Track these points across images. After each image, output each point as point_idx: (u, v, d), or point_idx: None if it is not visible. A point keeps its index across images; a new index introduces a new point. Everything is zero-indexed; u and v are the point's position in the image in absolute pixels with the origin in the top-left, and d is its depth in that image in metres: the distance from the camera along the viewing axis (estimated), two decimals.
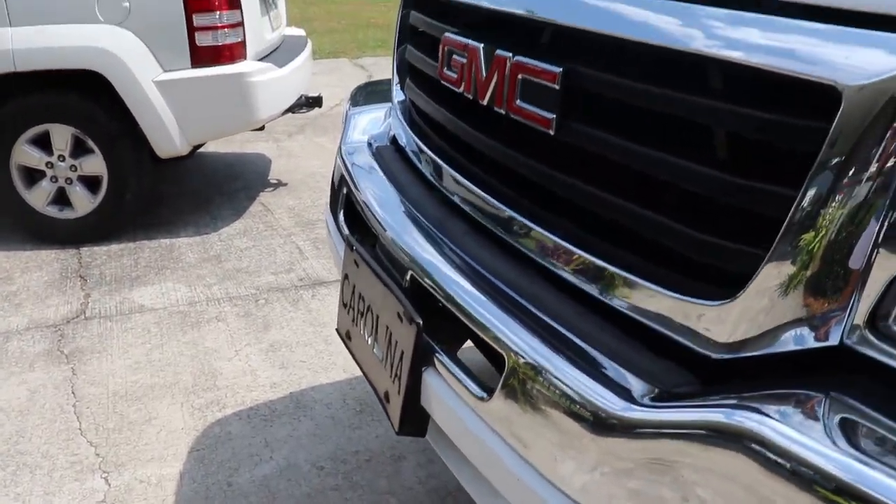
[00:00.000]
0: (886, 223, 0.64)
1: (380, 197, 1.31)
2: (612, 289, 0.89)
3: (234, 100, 3.50)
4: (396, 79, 1.59)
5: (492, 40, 1.11)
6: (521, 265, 1.03)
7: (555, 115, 0.99)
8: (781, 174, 0.74)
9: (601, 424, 0.80)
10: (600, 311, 0.91)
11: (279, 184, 4.42)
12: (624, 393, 0.81)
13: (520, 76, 1.04)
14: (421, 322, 1.07)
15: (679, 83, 0.84)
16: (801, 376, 0.72)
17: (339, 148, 1.58)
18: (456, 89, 1.20)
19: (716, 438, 0.69)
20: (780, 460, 0.64)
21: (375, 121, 1.70)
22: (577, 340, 0.88)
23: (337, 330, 1.41)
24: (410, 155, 1.42)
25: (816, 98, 0.69)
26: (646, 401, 0.79)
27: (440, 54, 1.25)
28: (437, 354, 1.06)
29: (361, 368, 1.30)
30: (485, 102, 1.12)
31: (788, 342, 0.72)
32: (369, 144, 1.57)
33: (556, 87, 0.98)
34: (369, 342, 1.24)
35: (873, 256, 0.65)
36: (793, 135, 0.73)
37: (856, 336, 0.68)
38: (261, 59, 3.74)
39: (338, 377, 2.60)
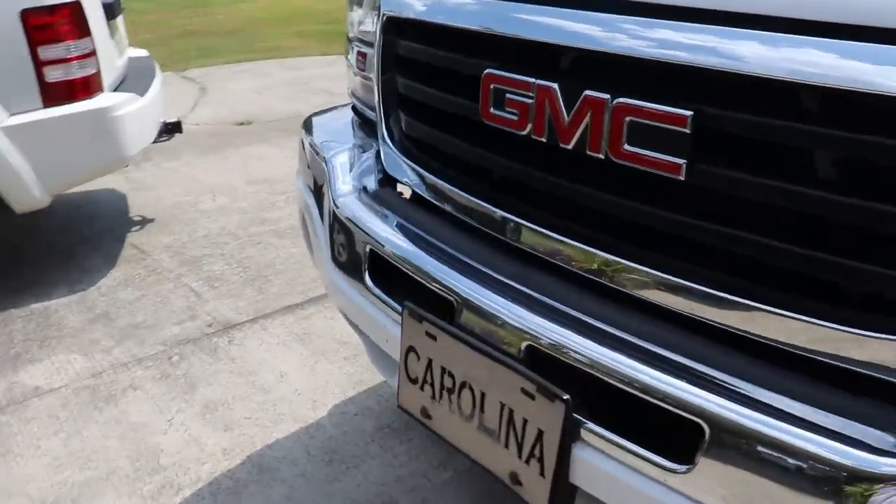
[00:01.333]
0: None
1: (438, 259, 1.17)
2: (817, 342, 0.83)
3: (98, 138, 3.13)
4: (382, 114, 1.45)
5: (568, 78, 1.01)
6: (669, 323, 0.95)
7: (685, 160, 0.91)
8: None
9: (853, 481, 0.75)
10: (796, 366, 0.85)
11: (145, 220, 4.05)
12: (865, 446, 0.76)
13: (627, 119, 0.95)
14: (569, 398, 0.96)
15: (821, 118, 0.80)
16: None
17: (333, 200, 1.42)
18: (517, 132, 1.09)
19: None
20: None
21: (346, 160, 1.54)
22: (785, 399, 0.82)
23: (400, 406, 1.26)
24: (442, 205, 1.28)
25: None
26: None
27: (483, 92, 1.13)
28: (590, 429, 0.96)
29: (456, 447, 1.16)
30: (569, 147, 1.02)
31: None
32: (365, 192, 1.42)
33: (686, 130, 0.90)
34: (470, 420, 1.11)
35: None
36: None
37: None
38: (116, 89, 3.38)
39: (291, 428, 2.40)
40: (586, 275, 1.05)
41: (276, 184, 4.56)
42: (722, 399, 0.84)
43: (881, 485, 0.74)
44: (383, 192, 1.42)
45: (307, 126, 1.78)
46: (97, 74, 3.17)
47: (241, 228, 3.90)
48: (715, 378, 0.87)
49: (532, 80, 1.05)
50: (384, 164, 1.45)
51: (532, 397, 1.01)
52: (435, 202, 1.30)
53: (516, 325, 1.04)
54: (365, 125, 1.73)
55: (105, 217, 4.11)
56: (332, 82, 7.33)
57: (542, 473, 1.02)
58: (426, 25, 1.28)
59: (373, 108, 1.63)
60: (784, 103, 0.84)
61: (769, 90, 0.84)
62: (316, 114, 1.91)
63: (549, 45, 1.04)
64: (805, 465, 0.77)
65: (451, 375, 1.14)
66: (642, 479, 0.91)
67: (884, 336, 0.78)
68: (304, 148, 1.73)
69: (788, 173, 0.85)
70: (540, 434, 1.02)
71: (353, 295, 1.38)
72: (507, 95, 1.09)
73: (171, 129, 3.87)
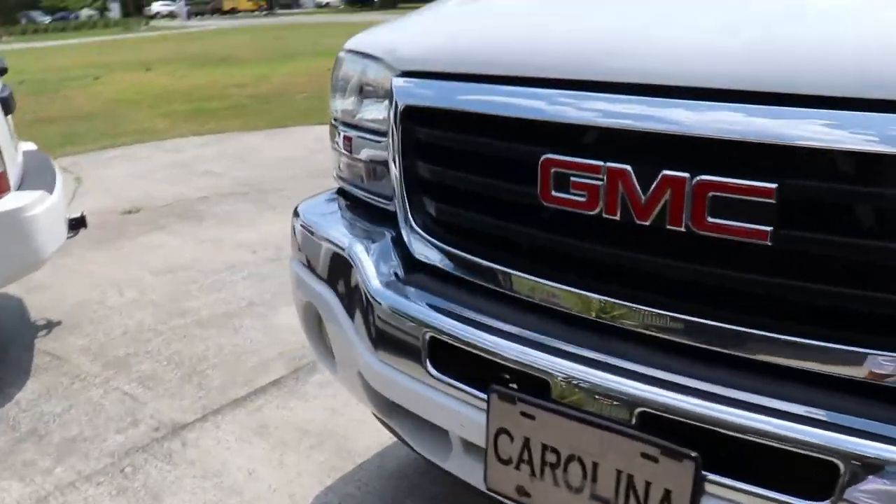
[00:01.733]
0: None
1: (520, 343, 1.19)
2: None
3: (11, 241, 2.94)
4: (406, 201, 1.46)
5: (642, 160, 1.08)
6: (764, 375, 1.03)
7: (771, 227, 1.00)
8: None
9: None
10: None
11: (51, 323, 3.80)
12: None
13: (710, 194, 1.03)
14: (698, 455, 1.01)
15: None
16: None
17: (373, 297, 1.40)
18: (585, 212, 1.15)
19: None
20: None
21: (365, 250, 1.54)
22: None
23: (490, 490, 1.26)
24: (499, 287, 1.31)
25: None
26: None
27: (542, 176, 1.18)
28: (717, 482, 1.01)
29: None
30: (647, 223, 1.09)
31: None
32: (399, 281, 1.43)
33: (773, 201, 0.99)
34: (579, 492, 1.13)
35: None
36: None
37: None
38: (19, 187, 3.19)
39: None
40: (665, 336, 1.12)
41: (182, 272, 4.41)
42: (848, 436, 0.92)
43: None
44: (422, 279, 1.43)
45: (306, 216, 1.76)
46: (3, 175, 3.00)
47: (160, 323, 3.74)
48: (833, 421, 0.96)
49: (601, 163, 1.12)
50: (412, 249, 1.46)
51: (655, 460, 1.05)
52: (489, 285, 1.32)
53: (627, 393, 1.09)
54: (359, 208, 1.74)
55: (4, 325, 3.82)
56: (214, 163, 7.21)
57: None
58: (465, 114, 1.33)
59: (373, 193, 1.65)
60: (856, 171, 0.95)
61: (837, 159, 0.95)
62: (306, 200, 1.90)
63: (616, 130, 1.12)
64: None
65: (556, 451, 1.16)
66: None
67: None
68: (307, 240, 1.71)
69: (863, 230, 0.96)
70: (667, 493, 1.06)
71: (408, 384, 1.37)
72: (572, 178, 1.15)
73: (75, 225, 3.68)
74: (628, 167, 1.09)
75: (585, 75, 1.18)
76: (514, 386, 1.21)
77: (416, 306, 1.37)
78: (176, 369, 3.27)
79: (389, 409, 1.56)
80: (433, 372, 1.32)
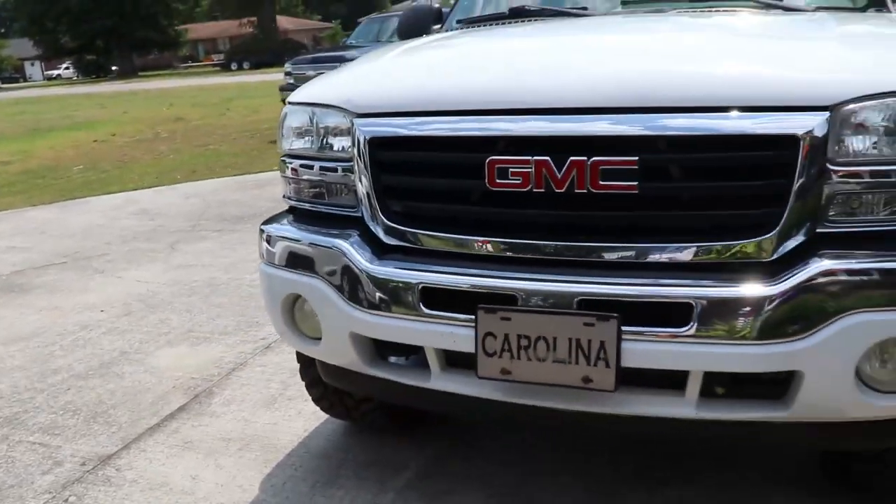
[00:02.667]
0: None
1: (491, 277, 1.86)
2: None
3: None
4: (377, 202, 2.05)
5: (552, 152, 1.80)
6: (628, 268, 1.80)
7: (637, 182, 1.75)
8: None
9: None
10: None
11: None
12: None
13: (601, 168, 1.76)
14: (618, 315, 1.73)
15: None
16: None
17: (368, 272, 1.99)
18: (522, 189, 1.83)
19: None
20: None
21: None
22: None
23: (481, 377, 1.87)
24: (458, 249, 1.96)
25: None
26: None
27: (488, 171, 1.85)
28: (629, 330, 1.74)
29: (534, 383, 1.84)
30: (563, 190, 1.80)
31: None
32: (379, 259, 2.03)
33: (636, 167, 1.74)
34: (544, 360, 1.78)
35: None
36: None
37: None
38: None
39: None
40: (580, 257, 1.83)
41: (35, 339, 4.46)
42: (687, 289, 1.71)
43: None
44: (395, 257, 2.02)
45: (279, 231, 2.30)
46: None
47: (36, 382, 3.85)
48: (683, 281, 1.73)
49: (530, 157, 1.81)
50: (382, 238, 2.06)
51: (592, 325, 1.73)
52: (454, 249, 1.96)
53: (567, 291, 1.78)
54: (315, 220, 2.26)
55: None
56: (14, 239, 7.05)
57: (607, 366, 1.73)
58: (421, 138, 1.97)
59: (336, 205, 2.21)
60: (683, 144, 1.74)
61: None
62: (270, 219, 2.41)
63: (537, 137, 1.83)
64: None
65: (527, 337, 1.79)
66: (666, 344, 1.72)
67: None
68: (286, 246, 2.23)
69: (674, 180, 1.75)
70: (602, 344, 1.74)
71: (405, 324, 1.96)
72: (510, 170, 1.84)
73: None
74: (548, 157, 1.80)
75: (508, 104, 1.88)
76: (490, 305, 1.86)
77: (405, 271, 1.97)
78: (75, 416, 3.46)
79: (372, 360, 2.13)
80: (426, 311, 1.93)
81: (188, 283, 5.29)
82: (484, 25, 3.16)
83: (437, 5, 3.74)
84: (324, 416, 3.21)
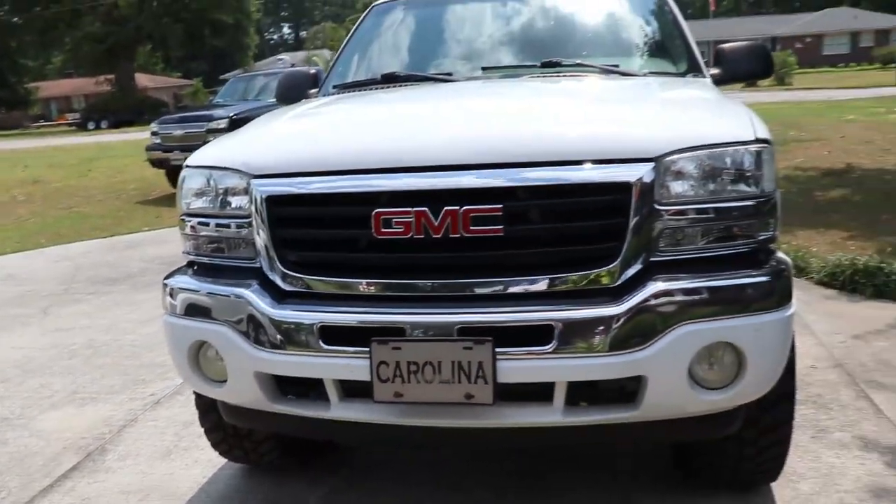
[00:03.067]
0: None
1: (382, 314, 2.13)
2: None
3: None
4: (275, 253, 2.28)
5: (429, 204, 2.10)
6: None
7: (503, 226, 2.08)
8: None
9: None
10: None
11: None
12: None
13: (471, 215, 2.08)
14: (492, 339, 2.02)
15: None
16: None
17: (272, 317, 2.22)
18: (404, 237, 2.12)
19: None
20: None
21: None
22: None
23: (377, 401, 2.12)
24: (351, 291, 2.22)
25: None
26: None
27: (374, 222, 2.13)
28: (501, 351, 2.03)
29: (420, 403, 2.11)
30: (439, 236, 2.10)
31: None
32: (278, 304, 2.25)
33: (501, 214, 2.07)
34: (431, 382, 2.05)
35: None
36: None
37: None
38: None
39: None
40: (452, 292, 2.13)
41: None
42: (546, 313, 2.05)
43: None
44: (293, 301, 2.25)
45: (172, 287, 2.47)
46: None
47: None
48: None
49: (410, 209, 2.11)
50: (281, 284, 2.27)
51: (471, 348, 2.02)
52: (346, 292, 2.21)
53: (448, 322, 2.07)
54: (213, 272, 2.45)
55: None
56: None
57: (486, 383, 2.02)
58: (313, 195, 2.24)
59: (235, 258, 2.42)
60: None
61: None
62: (171, 274, 2.57)
63: (417, 192, 2.13)
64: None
65: (416, 363, 2.05)
66: (533, 361, 2.03)
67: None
68: (188, 298, 2.40)
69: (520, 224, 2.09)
70: (480, 364, 2.02)
71: (307, 360, 2.18)
72: (393, 220, 2.12)
73: None
74: (425, 208, 2.10)
75: (389, 164, 2.17)
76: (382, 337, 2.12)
77: (304, 313, 2.20)
78: None
79: (275, 396, 2.33)
80: (325, 346, 2.17)
81: (67, 346, 5.24)
82: (359, 90, 3.47)
83: (312, 70, 4.02)
84: (220, 463, 3.34)
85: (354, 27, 4.09)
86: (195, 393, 2.93)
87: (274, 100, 13.09)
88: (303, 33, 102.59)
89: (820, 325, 4.69)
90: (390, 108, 2.91)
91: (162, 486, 3.25)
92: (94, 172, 17.53)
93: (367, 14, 4.15)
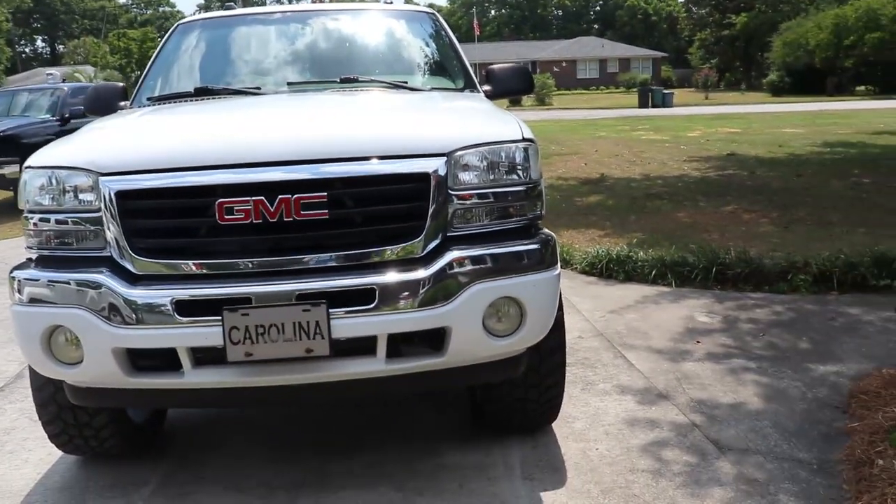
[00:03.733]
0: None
1: (230, 287, 2.46)
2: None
3: None
4: (125, 242, 2.54)
5: (266, 193, 2.49)
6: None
7: (327, 210, 2.52)
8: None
9: None
10: None
11: None
12: None
13: (302, 202, 2.49)
14: (325, 301, 2.43)
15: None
16: None
17: (124, 296, 2.47)
18: (244, 222, 2.49)
19: None
20: None
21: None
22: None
23: (230, 361, 2.45)
24: (197, 270, 2.54)
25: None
26: None
27: (217, 210, 2.48)
28: (333, 313, 2.46)
29: (267, 361, 2.48)
30: (275, 220, 2.49)
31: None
32: (132, 285, 2.52)
33: (326, 199, 2.51)
34: (276, 341, 2.41)
35: None
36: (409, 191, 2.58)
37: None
38: None
39: None
40: (291, 267, 2.53)
41: None
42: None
43: None
44: (144, 283, 2.52)
45: (22, 279, 2.63)
46: None
47: None
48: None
49: (248, 198, 2.48)
50: (133, 269, 2.54)
51: (309, 310, 2.42)
52: (194, 272, 2.53)
53: (288, 290, 2.46)
54: (62, 262, 2.63)
55: None
56: None
57: (323, 338, 2.42)
58: (158, 189, 2.54)
59: (83, 249, 2.63)
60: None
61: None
62: (16, 268, 2.70)
63: (254, 183, 2.50)
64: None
65: (262, 325, 2.40)
66: (360, 318, 2.49)
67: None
68: (40, 285, 2.59)
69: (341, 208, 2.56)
70: (317, 323, 2.42)
71: (162, 332, 2.46)
72: (235, 208, 2.49)
73: None
74: (262, 197, 2.49)
75: (225, 161, 2.53)
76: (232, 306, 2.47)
77: (159, 291, 2.49)
78: None
79: (131, 370, 2.58)
80: (179, 318, 2.47)
81: None
82: (173, 102, 3.74)
83: (121, 85, 4.20)
84: (53, 460, 3.45)
85: (161, 43, 4.32)
86: (33, 387, 3.08)
87: (45, 116, 12.58)
88: (60, 47, 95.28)
89: (584, 304, 5.54)
90: (216, 115, 3.24)
91: None
92: None
93: (172, 31, 4.40)
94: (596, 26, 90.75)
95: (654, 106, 35.36)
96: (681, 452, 3.29)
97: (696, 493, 2.98)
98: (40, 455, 3.44)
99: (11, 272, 2.71)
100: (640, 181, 11.43)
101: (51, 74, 17.40)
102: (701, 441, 3.38)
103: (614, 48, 69.34)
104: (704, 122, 23.30)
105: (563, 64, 66.51)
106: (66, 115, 12.53)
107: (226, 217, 2.50)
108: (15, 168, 11.24)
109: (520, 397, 3.21)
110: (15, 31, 68.74)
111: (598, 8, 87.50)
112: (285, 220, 2.49)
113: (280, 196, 2.49)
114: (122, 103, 3.98)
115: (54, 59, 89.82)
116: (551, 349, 3.09)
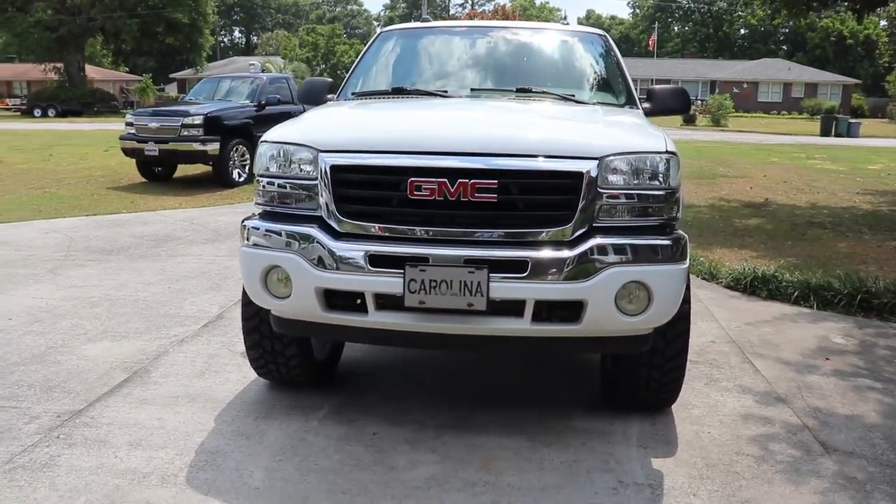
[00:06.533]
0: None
1: (416, 247, 3.13)
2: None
3: None
4: (335, 207, 3.25)
5: (448, 176, 3.11)
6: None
7: (496, 195, 3.10)
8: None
9: None
10: None
11: None
12: None
13: (476, 186, 3.09)
14: (488, 266, 3.03)
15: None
16: None
17: (329, 247, 3.19)
18: (430, 198, 3.12)
19: None
20: None
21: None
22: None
23: (407, 307, 3.09)
24: (393, 234, 3.21)
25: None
26: None
27: (409, 187, 3.12)
28: (494, 276, 3.03)
29: (434, 310, 3.09)
30: (453, 199, 3.11)
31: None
32: (336, 239, 3.23)
33: (496, 185, 3.09)
34: (444, 294, 3.02)
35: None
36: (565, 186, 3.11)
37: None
38: None
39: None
40: (462, 238, 3.13)
41: None
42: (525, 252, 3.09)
43: None
44: (348, 238, 3.21)
45: (251, 227, 3.40)
46: None
47: None
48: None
49: (434, 179, 3.11)
50: (337, 227, 3.25)
51: (473, 272, 3.01)
52: (388, 234, 3.19)
53: (458, 255, 3.07)
54: (281, 218, 3.38)
55: None
56: None
57: (482, 296, 3.01)
58: (365, 166, 3.22)
59: (302, 208, 3.36)
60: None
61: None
62: (247, 219, 3.50)
63: (440, 168, 3.13)
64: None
65: (435, 280, 3.03)
66: (513, 283, 3.05)
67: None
68: (266, 233, 3.32)
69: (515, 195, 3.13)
70: (479, 283, 3.01)
71: (356, 277, 3.13)
72: (424, 186, 3.12)
73: None
74: (445, 179, 3.11)
75: (421, 148, 3.18)
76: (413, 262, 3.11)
77: (354, 245, 3.17)
78: (30, 388, 4.20)
79: (327, 307, 3.29)
80: (370, 268, 3.14)
81: (86, 298, 6.02)
82: (374, 98, 4.47)
83: (329, 80, 5.00)
84: (247, 381, 4.26)
85: (365, 48, 5.11)
86: (243, 318, 3.87)
87: (244, 101, 14.06)
88: (254, 38, 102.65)
89: (722, 314, 5.84)
90: (410, 111, 3.94)
91: (204, 394, 4.14)
92: (56, 158, 17.90)
93: (375, 39, 5.19)
94: (784, 48, 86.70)
95: (837, 135, 33.69)
96: (787, 446, 3.62)
97: (793, 479, 3.32)
98: (238, 376, 4.26)
99: (243, 221, 3.48)
100: (805, 209, 11.30)
101: (253, 64, 19.20)
102: (809, 440, 3.69)
103: (801, 72, 66.09)
104: (890, 156, 22.14)
105: (745, 85, 64.20)
106: (262, 102, 13.97)
107: (415, 193, 3.13)
108: (216, 146, 12.72)
109: (644, 376, 3.66)
110: (217, 22, 74.78)
111: (786, 29, 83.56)
112: (462, 199, 3.10)
113: (460, 180, 3.09)
114: (330, 96, 4.76)
115: (248, 50, 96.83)
116: (675, 335, 3.53)
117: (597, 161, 3.15)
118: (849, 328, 5.57)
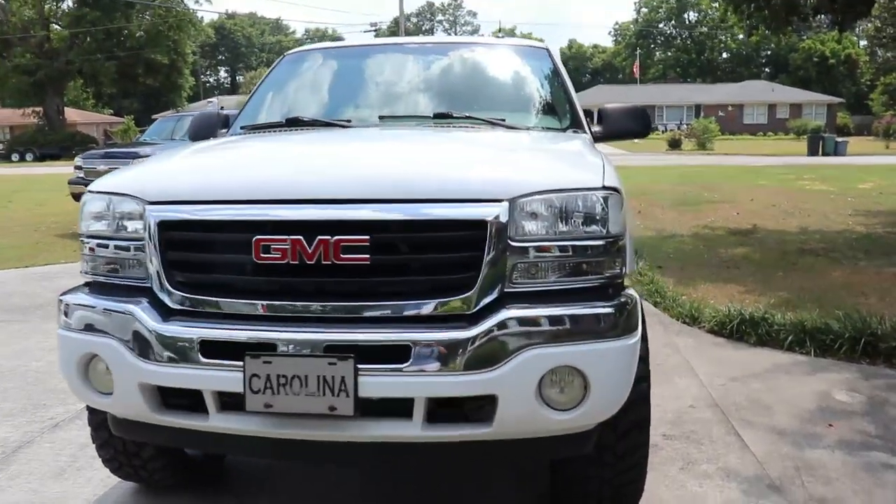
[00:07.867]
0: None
1: (258, 330, 2.28)
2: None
3: None
4: (164, 274, 2.42)
5: (304, 233, 2.28)
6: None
7: (369, 255, 2.28)
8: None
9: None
10: None
11: None
12: None
13: (342, 244, 2.27)
14: (354, 356, 2.19)
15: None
16: None
17: (156, 330, 2.36)
18: (280, 262, 2.29)
19: None
20: None
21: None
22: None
23: (248, 410, 2.27)
24: (235, 310, 2.38)
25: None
26: None
27: (255, 247, 2.30)
28: (361, 368, 2.21)
29: (288, 414, 2.27)
30: (312, 262, 2.28)
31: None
32: (164, 320, 2.39)
33: (368, 244, 2.27)
34: (298, 394, 2.21)
35: None
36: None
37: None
38: None
39: None
40: (322, 314, 2.30)
41: None
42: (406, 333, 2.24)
43: None
44: (178, 318, 2.39)
45: (77, 300, 2.58)
46: None
47: None
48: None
49: (286, 237, 2.29)
50: (168, 302, 2.41)
51: (335, 364, 2.19)
52: (227, 311, 2.36)
53: (316, 339, 2.24)
54: (107, 290, 2.57)
55: None
56: None
57: (348, 396, 2.19)
58: (199, 221, 2.40)
59: (128, 278, 2.53)
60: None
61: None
62: (65, 293, 2.66)
63: (291, 221, 2.31)
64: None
65: (285, 376, 2.20)
66: (392, 377, 2.22)
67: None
68: (83, 312, 2.52)
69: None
70: (343, 379, 2.18)
71: (187, 372, 2.31)
72: (272, 246, 2.30)
73: None
74: (301, 237, 2.29)
75: (266, 196, 2.36)
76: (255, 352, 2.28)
77: (187, 328, 2.34)
78: None
79: (158, 407, 2.44)
80: (204, 360, 2.30)
81: None
82: (263, 132, 3.66)
83: (225, 112, 4.20)
84: (113, 483, 3.40)
85: (267, 73, 4.30)
86: (88, 410, 3.02)
87: None
88: (239, 78, 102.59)
89: (703, 368, 5.00)
90: (280, 147, 3.13)
91: (52, 502, 3.28)
92: (14, 204, 17.18)
93: (279, 62, 4.37)
94: (767, 69, 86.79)
95: (824, 154, 33.08)
96: None
97: None
98: (103, 475, 3.40)
99: (60, 296, 2.66)
100: (795, 234, 10.53)
101: (211, 102, 18.51)
102: None
103: (785, 92, 65.89)
104: (881, 174, 21.44)
105: (729, 108, 63.94)
106: None
107: (261, 255, 2.32)
108: None
109: (593, 476, 2.81)
110: (201, 63, 74.57)
111: (768, 52, 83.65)
112: (323, 263, 2.28)
113: (319, 237, 2.27)
114: (223, 130, 3.96)
115: (233, 89, 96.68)
116: (629, 426, 2.68)
117: (507, 203, 2.33)
118: (853, 380, 4.74)
